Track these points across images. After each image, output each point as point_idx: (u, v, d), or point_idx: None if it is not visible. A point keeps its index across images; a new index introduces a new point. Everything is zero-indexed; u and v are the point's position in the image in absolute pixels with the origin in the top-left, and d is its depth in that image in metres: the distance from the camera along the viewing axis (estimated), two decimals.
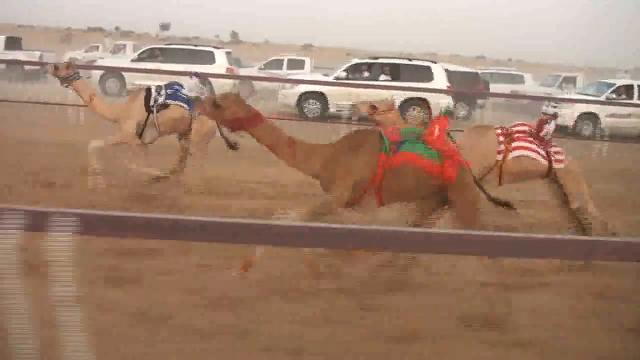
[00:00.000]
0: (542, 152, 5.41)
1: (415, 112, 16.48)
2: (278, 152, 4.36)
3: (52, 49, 31.05)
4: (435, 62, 18.83)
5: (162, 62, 18.77)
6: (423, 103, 16.92)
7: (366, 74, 17.33)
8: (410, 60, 18.92)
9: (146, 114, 6.71)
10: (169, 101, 6.74)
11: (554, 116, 6.33)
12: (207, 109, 4.29)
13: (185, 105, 6.76)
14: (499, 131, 5.52)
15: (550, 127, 5.58)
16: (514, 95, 20.66)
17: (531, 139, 5.47)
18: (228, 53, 21.22)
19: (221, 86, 16.79)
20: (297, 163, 4.39)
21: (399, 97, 16.65)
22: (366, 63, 17.84)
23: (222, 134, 6.79)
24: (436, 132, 4.39)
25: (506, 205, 4.87)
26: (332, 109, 16.73)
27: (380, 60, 18.10)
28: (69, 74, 6.79)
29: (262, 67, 26.25)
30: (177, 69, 16.12)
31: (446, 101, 16.19)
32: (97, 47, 34.83)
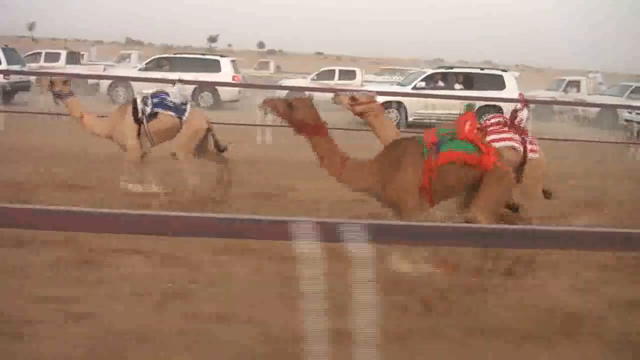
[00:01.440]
0: (518, 140, 5.36)
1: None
2: (329, 165, 4.56)
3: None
4: (506, 71, 19.48)
5: (168, 71, 19.15)
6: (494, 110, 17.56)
7: (441, 83, 18.20)
8: (482, 69, 19.64)
9: (137, 126, 6.71)
10: (156, 110, 6.69)
11: (525, 104, 6.26)
12: (280, 108, 4.48)
13: (172, 113, 6.74)
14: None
15: (523, 115, 5.60)
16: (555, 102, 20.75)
17: (506, 129, 5.42)
18: (233, 61, 22.06)
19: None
20: (345, 178, 4.61)
21: (474, 105, 17.49)
22: (441, 73, 18.72)
23: (213, 136, 6.86)
24: (467, 127, 4.63)
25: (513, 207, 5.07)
26: (410, 118, 17.66)
27: (454, 70, 18.99)
28: (62, 90, 6.82)
29: (315, 77, 26.75)
30: (185, 78, 18.64)
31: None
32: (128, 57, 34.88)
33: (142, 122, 6.70)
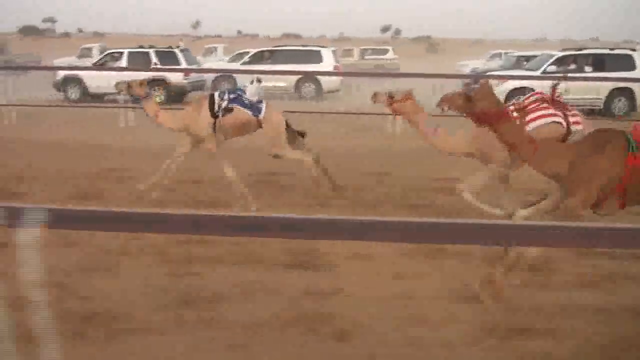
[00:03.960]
0: (560, 115, 5.32)
1: None
2: (520, 150, 4.28)
3: None
4: (634, 50, 19.25)
5: (270, 63, 19.55)
6: (625, 92, 17.50)
7: (573, 66, 18.30)
8: (612, 49, 19.46)
9: (213, 120, 6.83)
10: (232, 105, 6.79)
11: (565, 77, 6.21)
12: (458, 101, 4.28)
13: (248, 111, 6.82)
14: (511, 107, 5.34)
15: (560, 88, 5.59)
16: None
17: (545, 104, 5.35)
18: (334, 51, 22.00)
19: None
20: (536, 162, 4.27)
21: (604, 88, 17.70)
22: (572, 55, 18.76)
23: (289, 127, 6.93)
24: None
25: None
26: None
27: (585, 52, 18.98)
28: (139, 92, 7.07)
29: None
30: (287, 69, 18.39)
31: None
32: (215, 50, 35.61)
33: (218, 116, 6.82)
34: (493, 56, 31.85)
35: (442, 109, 4.54)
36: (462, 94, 4.32)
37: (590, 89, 16.78)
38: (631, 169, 4.05)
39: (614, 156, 4.10)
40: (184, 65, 19.35)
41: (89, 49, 32.89)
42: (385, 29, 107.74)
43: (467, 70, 27.35)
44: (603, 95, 17.15)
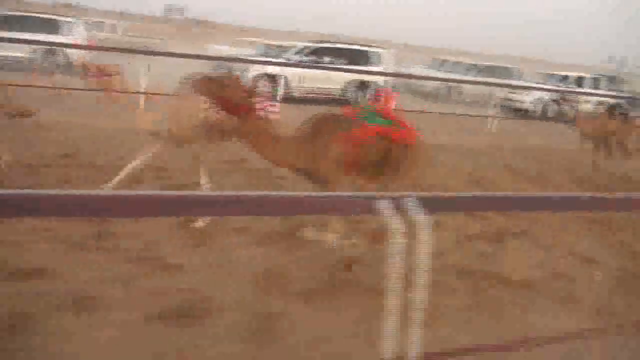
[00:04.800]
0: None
1: None
2: (260, 146, 4.29)
3: None
4: (383, 49, 19.99)
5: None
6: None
7: (322, 58, 18.15)
8: (361, 45, 19.77)
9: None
10: None
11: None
12: (209, 85, 4.31)
13: None
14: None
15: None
16: None
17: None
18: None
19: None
20: (275, 157, 4.37)
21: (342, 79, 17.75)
22: (323, 47, 18.44)
23: None
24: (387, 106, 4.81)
25: None
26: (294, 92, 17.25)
27: (333, 45, 18.95)
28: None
29: None
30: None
31: None
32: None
33: None
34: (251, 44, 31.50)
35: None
36: (216, 80, 4.33)
37: (336, 80, 17.73)
38: (352, 143, 4.35)
39: (334, 136, 4.35)
40: None
41: None
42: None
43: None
44: (341, 85, 18.03)
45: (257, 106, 4.25)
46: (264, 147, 4.26)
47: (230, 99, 4.14)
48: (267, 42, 27.84)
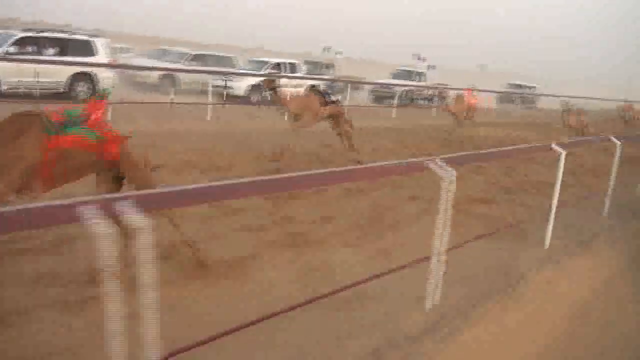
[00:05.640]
0: None
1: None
2: None
3: None
4: (96, 36, 19.73)
5: None
6: (86, 77, 17.88)
7: (33, 48, 17.15)
8: (72, 34, 19.17)
9: (319, 107, 9.99)
10: (333, 99, 10.45)
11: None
12: None
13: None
14: None
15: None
16: None
17: None
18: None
19: None
20: None
21: (66, 72, 17.11)
22: (33, 37, 17.35)
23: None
24: (94, 116, 4.43)
25: None
26: (4, 87, 16.35)
27: (47, 34, 17.95)
28: (272, 86, 10.08)
29: None
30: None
31: None
32: None
33: (325, 105, 10.24)
34: None
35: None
36: None
37: (54, 72, 16.87)
38: (53, 151, 4.11)
39: (31, 139, 4.06)
40: None
41: None
42: None
43: None
44: (64, 78, 17.44)
45: None
46: None
47: None
48: None
